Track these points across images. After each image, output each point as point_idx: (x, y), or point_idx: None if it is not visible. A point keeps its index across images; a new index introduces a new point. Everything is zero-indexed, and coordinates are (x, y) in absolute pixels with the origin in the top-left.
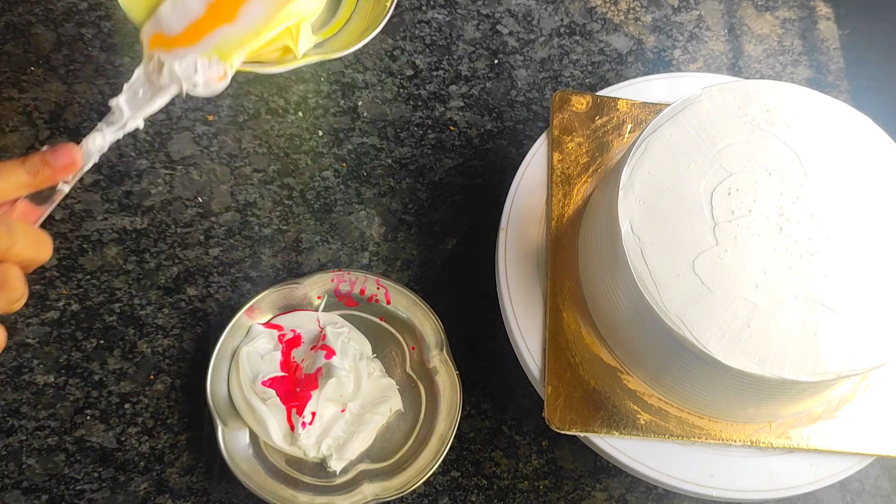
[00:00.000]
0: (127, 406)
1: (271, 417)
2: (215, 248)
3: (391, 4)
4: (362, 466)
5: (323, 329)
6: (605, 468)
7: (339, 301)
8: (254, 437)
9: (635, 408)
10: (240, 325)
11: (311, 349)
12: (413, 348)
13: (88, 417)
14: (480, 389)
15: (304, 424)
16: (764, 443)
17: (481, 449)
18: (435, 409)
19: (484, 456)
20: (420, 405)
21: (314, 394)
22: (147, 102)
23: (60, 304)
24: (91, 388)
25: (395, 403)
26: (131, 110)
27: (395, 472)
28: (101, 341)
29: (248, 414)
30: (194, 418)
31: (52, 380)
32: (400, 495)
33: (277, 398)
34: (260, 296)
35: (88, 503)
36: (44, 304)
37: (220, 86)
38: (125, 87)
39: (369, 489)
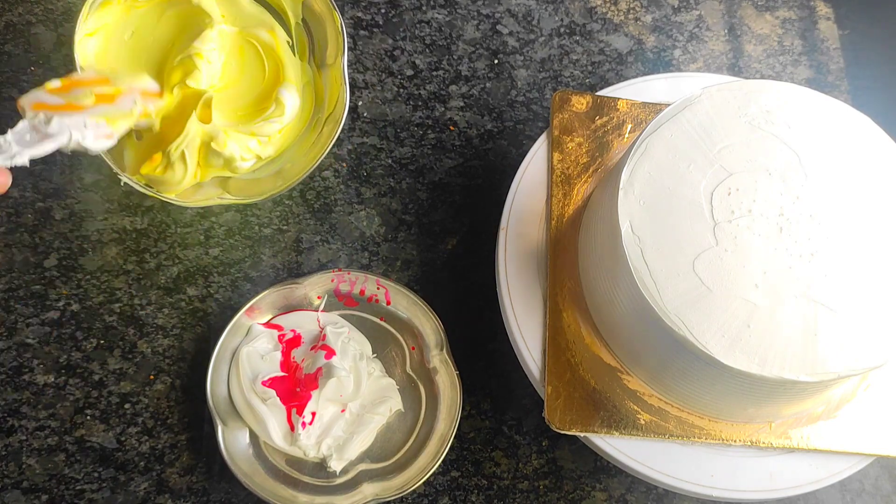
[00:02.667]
0: (127, 406)
1: (271, 417)
2: (215, 248)
3: (326, 149)
4: (362, 466)
5: (323, 329)
6: (605, 468)
7: (339, 301)
8: (254, 437)
9: (635, 408)
10: (240, 325)
11: (311, 349)
12: (413, 348)
13: (88, 417)
14: (480, 389)
15: (304, 424)
16: (764, 443)
17: (481, 449)
18: (435, 409)
19: (484, 456)
20: (420, 405)
21: (314, 394)
22: (36, 145)
23: (60, 304)
24: (91, 388)
25: (395, 403)
26: (19, 147)
27: (395, 472)
28: (101, 341)
29: (248, 414)
30: (194, 418)
31: (52, 380)
32: (400, 495)
33: (277, 398)
34: (260, 296)
35: (88, 503)
36: (44, 304)
37: (108, 143)
38: (10, 131)
39: (369, 489)
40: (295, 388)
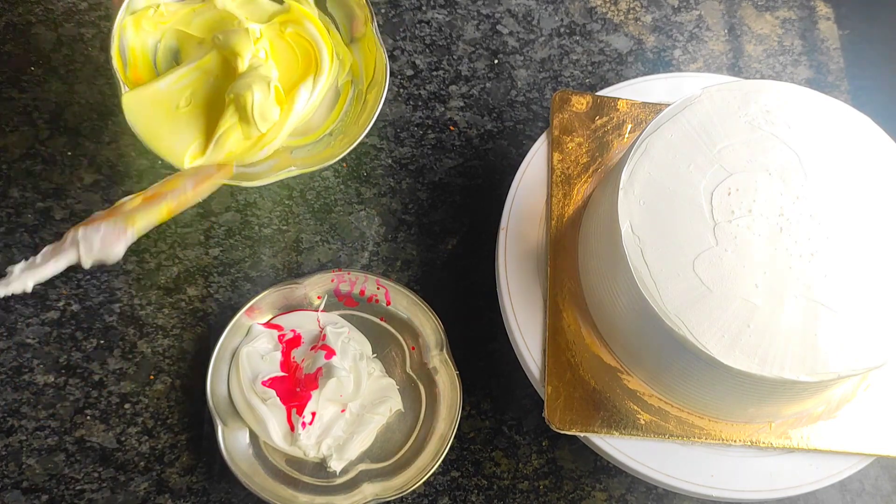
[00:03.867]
0: (127, 406)
1: (271, 417)
2: (215, 248)
3: (374, 114)
4: (362, 466)
5: (323, 329)
6: (605, 468)
7: (339, 301)
8: (254, 437)
9: (635, 408)
10: (240, 325)
11: (311, 349)
12: (413, 348)
13: (88, 417)
14: (480, 389)
15: (304, 424)
16: (764, 443)
17: (481, 449)
18: (435, 409)
19: (484, 456)
20: (420, 405)
21: (314, 394)
22: (39, 268)
23: (60, 304)
24: (91, 388)
25: (395, 403)
26: (21, 273)
27: (395, 473)
28: (101, 341)
29: (248, 414)
30: (194, 418)
31: (52, 380)
32: (400, 495)
33: (277, 398)
34: (260, 296)
35: (88, 503)
36: (44, 304)
37: (117, 248)
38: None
39: (369, 489)
40: (295, 388)
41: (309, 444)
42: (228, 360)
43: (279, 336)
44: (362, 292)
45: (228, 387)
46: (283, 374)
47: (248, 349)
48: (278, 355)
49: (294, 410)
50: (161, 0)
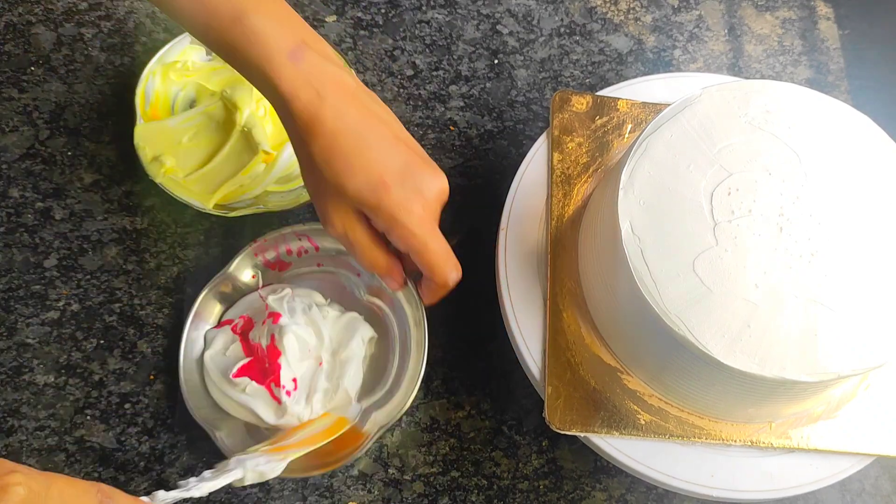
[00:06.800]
0: (127, 406)
1: (256, 401)
2: (215, 248)
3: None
4: (366, 403)
5: (265, 300)
6: (605, 468)
7: (273, 270)
8: (251, 428)
9: (635, 408)
10: (194, 340)
11: (262, 323)
12: (359, 274)
13: (88, 417)
14: (480, 389)
15: (288, 393)
16: (764, 443)
17: (481, 449)
18: (403, 318)
19: (484, 456)
20: (391, 321)
21: (282, 360)
22: (210, 481)
23: (60, 304)
24: (91, 388)
25: (366, 332)
26: (198, 482)
27: (392, 393)
28: (101, 341)
29: (237, 409)
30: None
31: (52, 380)
32: (403, 412)
33: (253, 382)
34: (198, 301)
35: None
36: (44, 304)
37: (272, 475)
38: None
39: (379, 417)
40: (263, 364)
41: (299, 408)
42: (199, 373)
43: (232, 328)
44: (289, 251)
45: (209, 394)
46: (247, 358)
47: (210, 353)
48: (237, 344)
49: (273, 385)
50: (190, 57)
